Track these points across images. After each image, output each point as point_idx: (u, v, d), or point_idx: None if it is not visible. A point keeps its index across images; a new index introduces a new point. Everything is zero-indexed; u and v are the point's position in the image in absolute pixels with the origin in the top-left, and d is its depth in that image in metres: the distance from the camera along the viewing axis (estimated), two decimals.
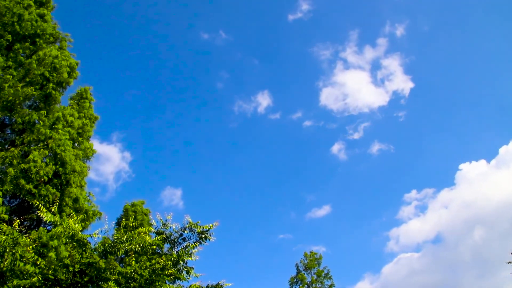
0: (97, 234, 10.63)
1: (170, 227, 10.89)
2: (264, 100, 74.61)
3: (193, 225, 10.68)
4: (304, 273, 34.91)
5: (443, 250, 57.87)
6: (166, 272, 10.25)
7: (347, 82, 71.77)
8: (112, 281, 9.78)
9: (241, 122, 76.45)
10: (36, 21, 17.08)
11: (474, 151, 72.29)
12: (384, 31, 74.99)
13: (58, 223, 9.97)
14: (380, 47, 73.79)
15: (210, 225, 10.72)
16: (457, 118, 75.95)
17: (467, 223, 56.84)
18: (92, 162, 18.43)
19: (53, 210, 10.85)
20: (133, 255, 10.69)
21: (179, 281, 10.84)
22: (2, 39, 15.79)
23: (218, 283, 10.95)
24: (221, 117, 78.86)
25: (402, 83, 71.58)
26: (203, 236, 10.69)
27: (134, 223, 11.27)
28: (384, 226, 68.59)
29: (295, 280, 34.62)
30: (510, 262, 18.10)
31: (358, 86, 71.66)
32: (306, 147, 76.76)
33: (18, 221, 11.55)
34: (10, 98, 15.59)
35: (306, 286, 34.00)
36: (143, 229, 10.69)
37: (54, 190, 14.99)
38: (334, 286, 34.00)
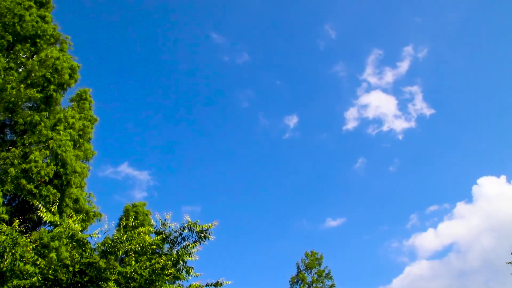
0: (97, 234, 10.65)
1: (169, 226, 10.88)
2: (287, 120, 75.90)
3: (192, 225, 10.66)
4: (305, 273, 34.66)
5: (457, 259, 58.30)
6: (166, 272, 10.24)
7: (370, 104, 73.29)
8: (112, 281, 9.77)
9: (264, 140, 77.42)
10: (37, 22, 17.13)
11: (495, 167, 72.80)
12: (406, 54, 75.69)
13: (58, 223, 9.99)
14: (402, 70, 74.50)
15: (209, 224, 10.71)
16: (478, 136, 76.41)
17: (483, 234, 57.19)
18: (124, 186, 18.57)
19: (53, 210, 10.86)
20: (133, 255, 10.69)
21: (178, 280, 10.83)
22: (3, 40, 15.84)
23: (218, 281, 10.92)
24: (244, 136, 79.49)
25: (424, 108, 72.84)
26: (203, 235, 10.68)
27: (134, 223, 11.28)
28: (400, 237, 68.87)
29: (296, 279, 34.41)
30: (510, 263, 18.04)
31: (381, 108, 72.93)
32: (328, 165, 77.99)
33: (17, 221, 11.55)
34: (12, 99, 15.64)
35: (306, 286, 33.81)
36: (142, 229, 10.69)
37: (55, 190, 15.02)
38: (335, 286, 33.81)
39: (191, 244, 10.69)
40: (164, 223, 10.92)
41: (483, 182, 61.66)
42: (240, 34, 79.09)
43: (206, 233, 10.67)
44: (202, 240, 10.71)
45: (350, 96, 78.77)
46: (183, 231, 10.80)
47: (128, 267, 10.24)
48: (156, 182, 68.70)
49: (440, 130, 77.05)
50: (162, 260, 10.21)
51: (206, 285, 10.80)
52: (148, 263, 10.28)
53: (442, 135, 77.31)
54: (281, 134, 76.00)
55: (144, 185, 65.77)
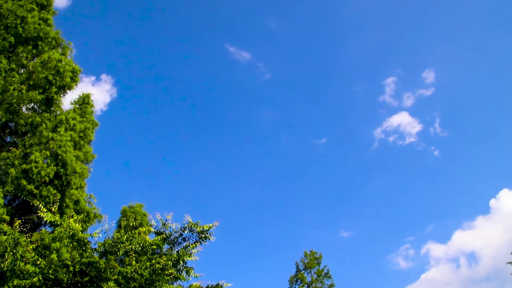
0: (97, 234, 10.69)
1: (170, 227, 10.92)
2: (310, 141, 76.34)
3: (193, 225, 10.70)
4: (304, 273, 34.59)
5: (471, 269, 59.04)
6: (166, 272, 10.28)
7: (392, 125, 74.11)
8: (112, 281, 9.80)
9: (285, 157, 77.50)
10: (39, 24, 17.22)
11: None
12: (427, 76, 76.17)
13: (59, 223, 10.03)
14: (424, 92, 75.04)
15: (210, 225, 10.75)
16: (494, 151, 76.88)
17: (499, 246, 57.91)
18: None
19: (53, 210, 10.91)
20: (133, 255, 10.73)
21: (179, 281, 10.87)
22: (5, 42, 15.91)
23: (218, 283, 10.97)
24: (264, 153, 79.20)
25: (444, 131, 73.56)
26: (203, 236, 10.72)
27: (134, 223, 11.33)
28: (416, 246, 69.27)
29: (295, 279, 34.36)
30: (510, 263, 18.11)
31: (402, 128, 73.94)
32: (347, 181, 78.06)
33: (19, 221, 11.60)
34: (14, 101, 15.70)
35: (306, 285, 33.76)
36: (143, 229, 10.74)
37: (55, 191, 15.04)
38: (334, 286, 33.77)
39: (192, 245, 10.74)
40: (165, 224, 10.97)
41: (501, 195, 62.87)
42: (262, 54, 79.41)
43: (207, 233, 10.72)
44: (202, 240, 10.76)
45: (372, 117, 79.42)
46: (183, 231, 10.85)
47: (129, 267, 10.28)
48: (177, 196, 68.96)
49: (459, 150, 77.39)
50: (162, 260, 10.25)
51: (207, 287, 10.84)
52: (148, 263, 10.32)
53: (461, 154, 77.54)
54: (303, 153, 76.54)
55: (166, 201, 66.09)
